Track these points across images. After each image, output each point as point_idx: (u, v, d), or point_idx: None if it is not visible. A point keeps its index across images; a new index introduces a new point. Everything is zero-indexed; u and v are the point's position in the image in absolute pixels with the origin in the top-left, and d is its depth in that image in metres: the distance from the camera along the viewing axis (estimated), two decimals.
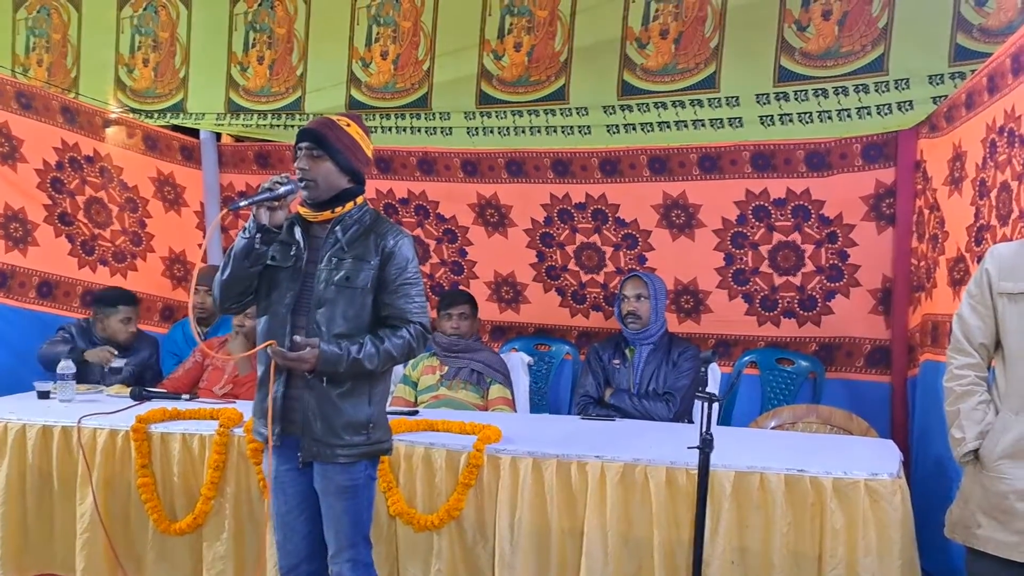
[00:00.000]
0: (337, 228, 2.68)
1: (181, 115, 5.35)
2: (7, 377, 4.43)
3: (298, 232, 2.70)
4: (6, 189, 4.63)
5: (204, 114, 5.31)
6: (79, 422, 3.47)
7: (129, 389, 3.99)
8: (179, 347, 4.82)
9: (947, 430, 2.59)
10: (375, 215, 2.77)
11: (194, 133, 5.46)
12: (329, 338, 2.60)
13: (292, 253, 2.67)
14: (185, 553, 3.45)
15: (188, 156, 5.46)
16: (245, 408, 3.45)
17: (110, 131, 5.19)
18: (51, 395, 3.94)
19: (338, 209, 2.68)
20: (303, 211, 2.72)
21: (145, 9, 5.36)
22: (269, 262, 2.67)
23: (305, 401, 2.65)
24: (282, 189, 2.57)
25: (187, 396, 3.96)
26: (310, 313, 2.64)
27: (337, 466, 2.66)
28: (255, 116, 5.15)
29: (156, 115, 5.37)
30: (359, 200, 2.73)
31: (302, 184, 2.63)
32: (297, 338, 2.56)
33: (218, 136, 5.50)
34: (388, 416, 2.89)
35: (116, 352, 4.41)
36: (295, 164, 2.67)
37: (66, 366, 3.92)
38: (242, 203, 2.59)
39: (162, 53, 5.34)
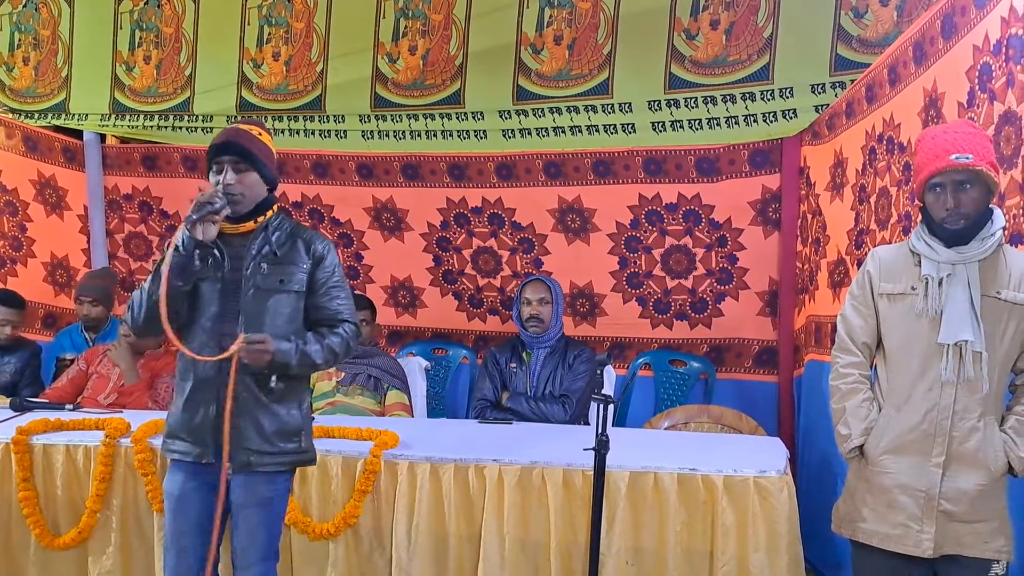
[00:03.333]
0: (263, 235, 2.65)
1: (63, 116, 5.20)
2: None
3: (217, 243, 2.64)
4: None
5: (88, 115, 5.16)
6: None
7: (8, 400, 3.82)
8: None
9: (833, 427, 2.66)
10: (292, 220, 2.78)
11: (77, 134, 5.27)
12: None
13: (210, 264, 2.61)
14: (70, 568, 3.32)
15: (71, 158, 5.27)
16: (132, 418, 3.37)
17: None
18: None
19: (260, 218, 2.66)
20: (221, 223, 2.62)
21: (25, 6, 5.17)
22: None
23: (237, 410, 2.56)
24: (218, 204, 2.50)
25: (70, 406, 3.80)
26: (240, 322, 2.58)
27: (261, 476, 2.62)
28: (141, 117, 5.02)
29: (37, 115, 5.21)
30: (276, 207, 2.72)
31: (228, 198, 2.56)
32: (245, 335, 2.50)
33: (102, 137, 5.31)
34: None
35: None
36: (218, 178, 2.59)
37: None
38: (195, 216, 2.46)
39: (43, 51, 5.17)
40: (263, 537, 2.65)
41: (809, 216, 4.12)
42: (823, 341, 3.83)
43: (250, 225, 2.65)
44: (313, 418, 3.57)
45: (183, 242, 2.49)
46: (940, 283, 2.40)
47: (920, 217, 2.48)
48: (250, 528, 2.63)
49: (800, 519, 2.89)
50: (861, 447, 2.56)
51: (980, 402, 2.39)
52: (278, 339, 2.55)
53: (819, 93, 4.01)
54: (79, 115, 5.17)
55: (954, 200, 2.35)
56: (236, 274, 2.62)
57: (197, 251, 2.53)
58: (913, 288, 2.45)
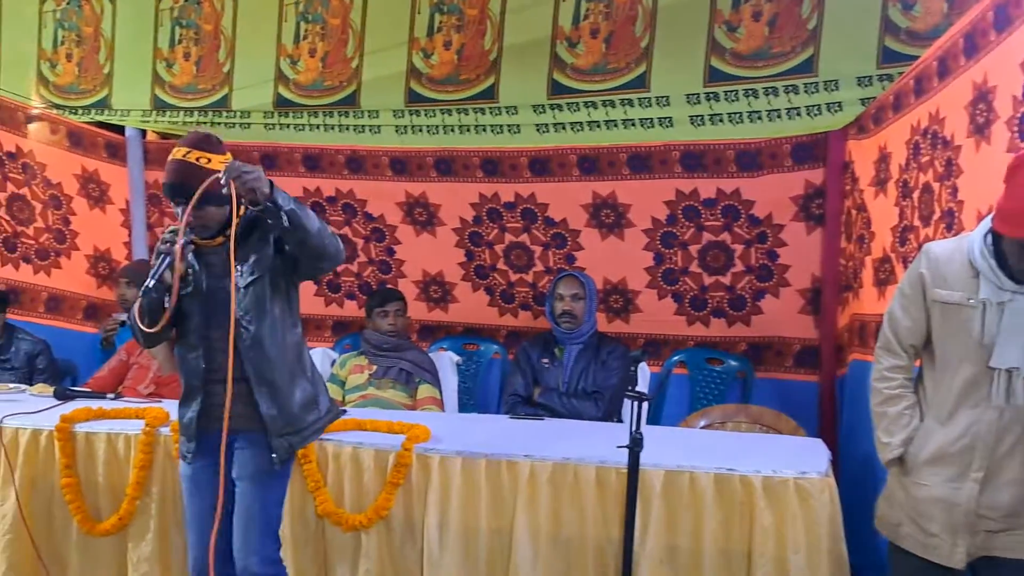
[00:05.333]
0: (229, 244, 2.65)
1: (106, 111, 5.25)
2: None
3: (192, 258, 2.69)
4: None
5: (129, 111, 5.21)
6: (1, 421, 3.40)
7: (52, 388, 3.89)
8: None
9: (873, 429, 2.60)
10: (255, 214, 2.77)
11: (119, 130, 5.35)
12: (262, 332, 2.66)
13: (190, 278, 2.68)
14: (110, 554, 3.39)
15: (113, 153, 5.35)
16: (171, 407, 3.40)
17: (33, 127, 5.10)
18: None
19: (228, 232, 2.67)
20: (196, 240, 2.69)
21: (68, 3, 5.24)
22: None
23: (260, 401, 2.68)
24: (177, 247, 2.56)
25: (112, 395, 3.88)
26: (225, 325, 2.61)
27: (255, 450, 2.70)
28: (181, 113, 5.06)
29: (80, 111, 5.26)
30: (242, 211, 2.71)
31: (192, 232, 2.63)
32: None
33: (144, 133, 5.38)
34: None
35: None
36: (182, 215, 2.59)
37: None
38: (151, 283, 2.56)
39: (86, 48, 5.24)
40: (262, 514, 2.73)
41: (854, 212, 4.03)
42: (868, 340, 3.73)
43: (220, 240, 2.70)
44: (345, 411, 3.62)
45: (150, 285, 2.57)
46: (999, 305, 2.29)
47: (989, 235, 2.33)
48: (247, 504, 2.72)
49: (843, 520, 2.84)
50: (901, 456, 2.50)
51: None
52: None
53: (866, 86, 3.91)
54: (121, 111, 5.23)
55: None
56: (215, 282, 2.69)
57: (167, 292, 2.58)
58: (969, 300, 2.34)
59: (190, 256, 2.66)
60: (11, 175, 4.91)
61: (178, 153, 2.63)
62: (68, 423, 3.36)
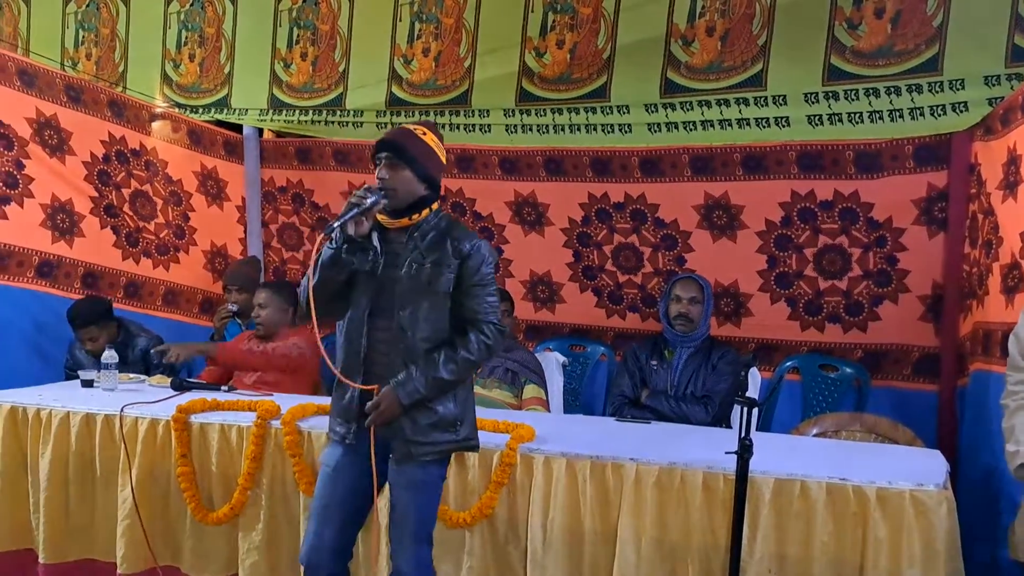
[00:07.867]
0: (416, 235, 2.73)
1: (225, 111, 5.38)
2: (53, 364, 4.57)
3: (375, 238, 2.75)
4: (54, 181, 4.70)
5: (248, 109, 5.33)
6: (122, 411, 3.50)
7: (170, 380, 4.02)
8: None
9: (1003, 447, 2.51)
10: (450, 220, 2.82)
11: (237, 128, 5.50)
12: (414, 340, 2.67)
13: (370, 258, 2.72)
14: (221, 542, 3.47)
15: (231, 151, 5.52)
16: (282, 401, 3.51)
17: (156, 125, 5.26)
18: (95, 383, 4.01)
19: (415, 216, 2.74)
20: (380, 217, 2.75)
21: (192, 5, 5.39)
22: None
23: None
24: (369, 202, 2.62)
25: (225, 387, 3.98)
26: (393, 316, 2.70)
27: (414, 461, 2.73)
28: (297, 112, 5.15)
29: (201, 110, 5.41)
30: (435, 207, 2.78)
31: (382, 193, 2.67)
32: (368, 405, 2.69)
33: (260, 131, 5.53)
34: None
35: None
36: (376, 174, 2.72)
37: (110, 356, 3.98)
38: (336, 224, 2.62)
39: (208, 49, 5.38)
40: (413, 519, 2.75)
41: (980, 216, 3.86)
42: (992, 350, 3.58)
43: (404, 221, 2.73)
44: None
45: (334, 235, 2.63)
46: None
47: None
48: (401, 509, 2.75)
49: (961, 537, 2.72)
50: None
51: None
52: (402, 383, 2.65)
53: (993, 85, 3.74)
54: (240, 110, 5.35)
55: None
56: (390, 271, 2.72)
57: (346, 245, 2.64)
58: None
59: (374, 236, 2.74)
60: (135, 172, 5.07)
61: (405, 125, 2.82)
62: (184, 413, 3.45)
